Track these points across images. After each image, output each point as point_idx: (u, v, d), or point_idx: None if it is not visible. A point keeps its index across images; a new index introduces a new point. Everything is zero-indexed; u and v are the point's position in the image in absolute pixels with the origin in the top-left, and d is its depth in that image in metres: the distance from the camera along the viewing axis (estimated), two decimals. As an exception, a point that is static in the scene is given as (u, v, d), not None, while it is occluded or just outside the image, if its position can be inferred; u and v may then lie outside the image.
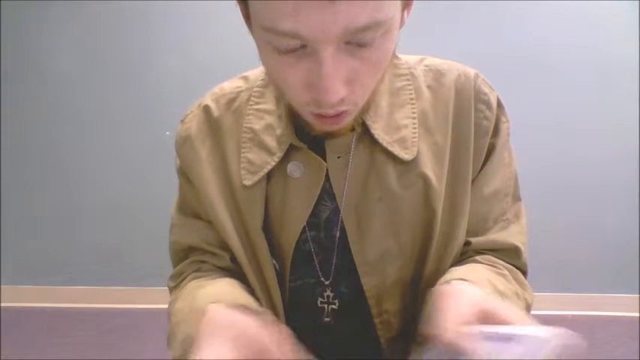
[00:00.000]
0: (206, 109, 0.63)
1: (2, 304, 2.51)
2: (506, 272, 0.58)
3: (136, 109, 2.47)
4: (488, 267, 0.58)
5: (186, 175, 0.64)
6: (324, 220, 0.59)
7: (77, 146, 2.51)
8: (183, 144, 0.63)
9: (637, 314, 2.26)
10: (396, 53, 0.59)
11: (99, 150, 2.51)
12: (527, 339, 0.36)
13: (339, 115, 0.48)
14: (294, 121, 0.58)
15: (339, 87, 0.43)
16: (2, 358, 2.04)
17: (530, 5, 2.23)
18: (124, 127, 2.48)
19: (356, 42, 0.42)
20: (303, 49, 0.42)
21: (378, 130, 0.57)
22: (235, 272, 0.61)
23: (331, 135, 0.57)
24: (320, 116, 0.48)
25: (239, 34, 2.27)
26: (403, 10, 0.46)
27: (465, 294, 0.46)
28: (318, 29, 0.39)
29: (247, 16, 0.47)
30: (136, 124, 2.47)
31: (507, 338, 0.38)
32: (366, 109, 0.55)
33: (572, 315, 2.30)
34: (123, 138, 2.49)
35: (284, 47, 0.42)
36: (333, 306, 0.60)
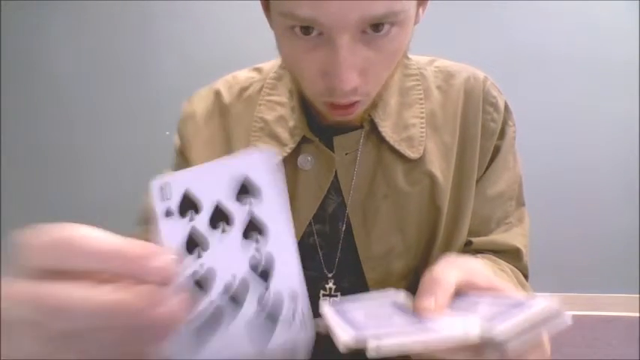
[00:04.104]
0: (217, 92, 0.64)
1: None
2: (506, 269, 0.59)
3: (135, 109, 2.47)
4: (487, 262, 0.58)
5: (183, 154, 0.63)
6: (330, 214, 0.59)
7: (77, 146, 2.51)
8: (186, 120, 0.64)
9: (637, 314, 2.26)
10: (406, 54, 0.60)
11: (99, 150, 2.50)
12: (502, 299, 0.36)
13: (351, 106, 0.49)
14: (307, 114, 0.58)
15: (353, 75, 0.44)
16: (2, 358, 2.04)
17: (530, 5, 2.23)
18: (124, 127, 2.48)
19: (372, 31, 0.43)
20: (319, 36, 0.44)
21: (386, 129, 0.57)
22: None
23: (340, 131, 0.58)
24: (332, 106, 0.49)
25: (239, 34, 2.27)
26: (418, 7, 0.48)
27: (461, 259, 0.43)
28: (335, 16, 0.41)
29: (266, 6, 0.49)
30: (136, 124, 2.47)
31: (475, 302, 0.38)
32: (375, 106, 0.56)
33: (573, 315, 2.31)
34: (123, 138, 2.49)
35: (301, 33, 0.44)
36: (335, 299, 0.60)
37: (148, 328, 0.26)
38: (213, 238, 0.30)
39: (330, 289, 0.60)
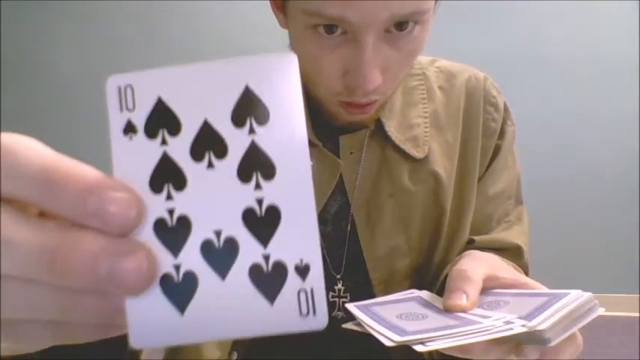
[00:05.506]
0: None
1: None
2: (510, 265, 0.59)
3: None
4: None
5: None
6: (333, 215, 0.59)
7: (77, 146, 2.51)
8: None
9: (637, 314, 2.26)
10: None
11: (99, 150, 2.51)
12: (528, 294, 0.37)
13: (368, 105, 0.49)
14: (311, 116, 0.58)
15: (377, 74, 0.45)
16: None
17: (531, 5, 2.24)
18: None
19: (396, 30, 0.44)
20: (342, 35, 0.44)
21: (392, 128, 0.58)
22: None
23: (345, 131, 0.58)
24: (349, 105, 0.49)
25: (241, 35, 2.27)
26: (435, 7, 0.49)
27: (484, 255, 0.47)
28: (365, 15, 0.41)
29: (280, 5, 0.49)
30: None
31: (504, 293, 0.39)
32: (382, 106, 0.56)
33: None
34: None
35: (325, 32, 0.44)
36: (345, 299, 0.60)
37: (111, 285, 0.18)
38: (193, 173, 0.20)
39: (340, 290, 0.60)
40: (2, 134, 0.19)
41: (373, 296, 0.59)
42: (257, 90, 0.20)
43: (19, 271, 0.18)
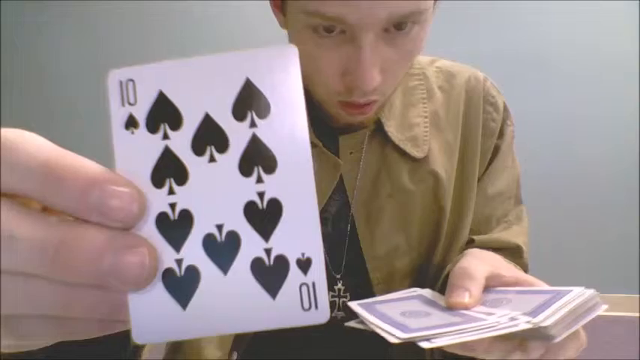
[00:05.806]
0: None
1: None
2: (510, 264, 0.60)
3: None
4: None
5: None
6: (333, 215, 0.59)
7: (76, 147, 2.51)
8: None
9: (637, 314, 2.26)
10: None
11: (98, 150, 2.51)
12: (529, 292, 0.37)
13: (367, 105, 0.49)
14: (310, 117, 0.58)
15: (375, 74, 0.45)
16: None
17: (531, 5, 2.24)
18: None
19: (394, 30, 0.44)
20: (341, 35, 0.44)
21: (392, 128, 0.58)
22: None
23: (344, 132, 0.58)
24: (348, 106, 0.49)
25: (240, 35, 2.27)
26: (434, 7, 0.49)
27: (485, 253, 0.47)
28: (364, 14, 0.41)
29: (280, 6, 0.49)
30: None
31: (505, 292, 0.39)
32: (381, 106, 0.56)
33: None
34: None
35: (324, 31, 0.44)
36: (345, 299, 0.61)
37: (114, 280, 0.18)
38: (195, 167, 0.20)
39: (340, 290, 0.60)
40: (3, 129, 0.19)
41: (373, 296, 0.59)
42: (258, 83, 0.20)
43: (21, 266, 0.18)
